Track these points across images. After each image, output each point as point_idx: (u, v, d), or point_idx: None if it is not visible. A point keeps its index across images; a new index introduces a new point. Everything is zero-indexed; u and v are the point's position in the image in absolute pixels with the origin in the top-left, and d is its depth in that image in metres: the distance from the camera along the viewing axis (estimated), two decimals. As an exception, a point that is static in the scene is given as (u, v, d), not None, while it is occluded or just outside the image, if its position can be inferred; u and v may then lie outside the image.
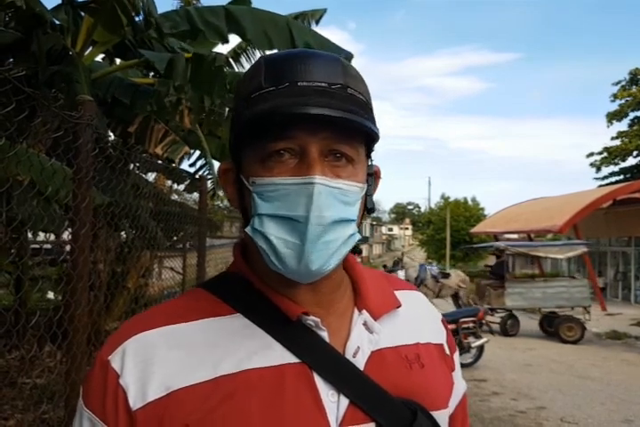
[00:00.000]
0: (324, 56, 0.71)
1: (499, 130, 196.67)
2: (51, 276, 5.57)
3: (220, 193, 8.28)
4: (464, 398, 0.86)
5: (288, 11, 6.39)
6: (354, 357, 0.71)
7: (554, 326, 11.33)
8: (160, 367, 0.66)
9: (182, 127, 5.90)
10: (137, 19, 4.18)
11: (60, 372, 2.98)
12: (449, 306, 12.56)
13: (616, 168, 25.75)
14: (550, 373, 8.19)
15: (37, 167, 2.57)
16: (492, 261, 16.93)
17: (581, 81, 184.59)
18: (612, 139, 25.37)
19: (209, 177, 6.62)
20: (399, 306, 0.80)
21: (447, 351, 0.84)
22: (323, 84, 0.66)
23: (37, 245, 5.93)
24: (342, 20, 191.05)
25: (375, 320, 0.75)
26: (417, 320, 0.82)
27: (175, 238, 6.04)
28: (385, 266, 20.50)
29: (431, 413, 0.73)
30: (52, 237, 4.97)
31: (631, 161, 25.08)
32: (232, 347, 0.68)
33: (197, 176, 6.38)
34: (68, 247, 3.22)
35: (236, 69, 6.61)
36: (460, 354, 7.49)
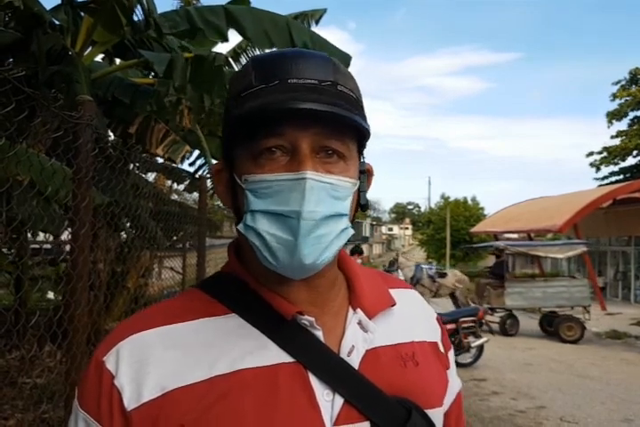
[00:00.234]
0: (314, 55, 0.71)
1: (499, 130, 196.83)
2: (50, 276, 5.58)
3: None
4: (459, 396, 0.87)
5: (288, 11, 6.38)
6: (348, 356, 0.71)
7: (554, 326, 11.32)
8: (155, 368, 0.66)
9: (182, 127, 5.90)
10: (136, 19, 4.18)
11: (59, 372, 2.98)
12: (449, 306, 12.55)
13: (616, 168, 25.77)
14: (550, 372, 8.19)
15: (37, 167, 2.57)
16: (491, 261, 16.92)
17: (581, 81, 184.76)
18: (612, 138, 25.39)
19: (209, 176, 6.62)
20: (394, 304, 0.80)
21: (442, 349, 0.84)
22: (313, 82, 0.67)
23: (37, 245, 5.93)
24: (342, 19, 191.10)
25: (370, 319, 0.75)
26: (411, 318, 0.83)
27: (175, 238, 6.04)
28: (385, 266, 20.49)
29: (426, 411, 0.74)
30: (52, 237, 4.97)
31: (631, 161, 25.12)
32: (227, 347, 0.68)
33: (197, 176, 6.39)
34: (67, 247, 3.22)
35: (236, 69, 6.61)
36: (460, 354, 7.45)
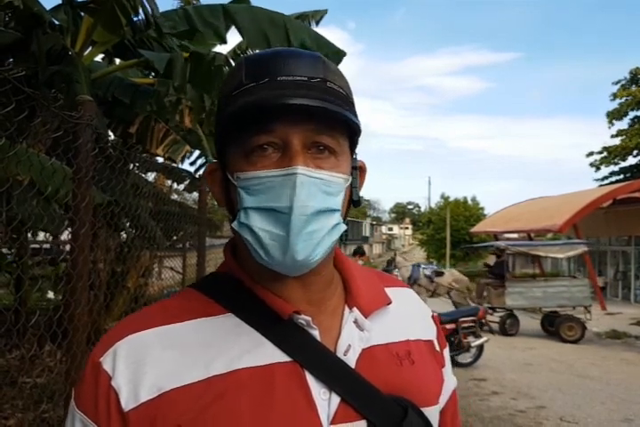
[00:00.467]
0: (304, 53, 0.71)
1: (498, 129, 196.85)
2: (50, 275, 5.58)
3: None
4: (454, 394, 0.87)
5: (290, 11, 6.40)
6: (345, 355, 0.71)
7: (555, 326, 11.33)
8: (152, 368, 0.66)
9: (182, 127, 5.90)
10: (136, 19, 4.19)
11: (60, 371, 2.98)
12: (447, 305, 12.55)
13: (616, 168, 25.77)
14: (550, 372, 8.19)
15: (37, 167, 2.57)
16: (491, 260, 16.91)
17: (581, 81, 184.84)
18: (612, 137, 25.38)
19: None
20: (389, 303, 0.80)
21: (437, 348, 0.85)
22: (302, 78, 0.67)
23: (37, 245, 5.94)
24: (342, 19, 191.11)
25: (366, 318, 0.75)
26: (407, 317, 0.83)
27: (175, 238, 6.04)
28: (384, 266, 20.49)
29: (422, 409, 0.74)
30: (52, 236, 4.98)
31: (631, 160, 25.11)
32: (224, 347, 0.68)
33: (198, 176, 6.39)
34: (67, 247, 3.23)
35: (236, 69, 6.60)
36: (460, 353, 7.43)
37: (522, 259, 22.06)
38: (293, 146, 0.66)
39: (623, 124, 25.31)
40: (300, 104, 0.63)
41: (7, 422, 3.36)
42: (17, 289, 5.17)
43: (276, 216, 0.65)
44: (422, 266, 14.46)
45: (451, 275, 13.68)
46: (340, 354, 0.71)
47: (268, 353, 0.69)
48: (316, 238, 0.66)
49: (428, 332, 0.85)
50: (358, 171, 0.75)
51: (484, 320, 8.91)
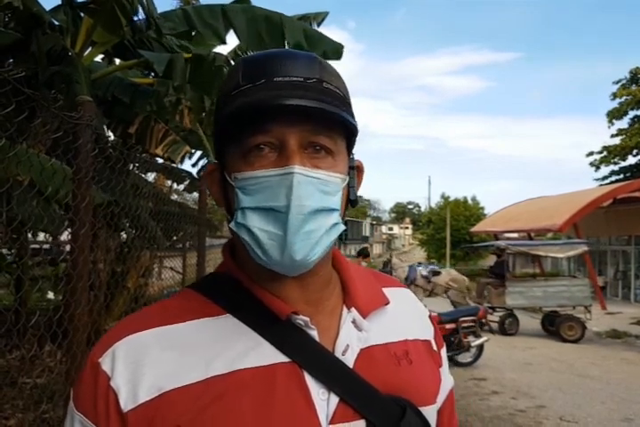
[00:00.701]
0: (300, 54, 0.72)
1: (499, 129, 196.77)
2: (50, 276, 5.58)
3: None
4: (451, 393, 0.87)
5: (291, 12, 6.41)
6: (343, 355, 0.71)
7: (555, 325, 11.33)
8: (151, 369, 0.66)
9: (183, 127, 5.91)
10: (136, 19, 4.19)
11: (60, 371, 2.98)
12: (446, 305, 12.55)
13: (616, 167, 25.76)
14: (550, 372, 8.19)
15: (37, 167, 2.57)
16: (491, 260, 16.92)
17: (581, 81, 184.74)
18: (612, 136, 25.38)
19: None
20: (387, 303, 0.81)
21: (434, 347, 0.85)
22: (298, 79, 0.67)
23: (37, 246, 5.94)
24: (342, 19, 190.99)
25: (364, 318, 0.76)
26: (405, 317, 0.83)
27: (175, 238, 6.04)
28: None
29: (420, 409, 0.74)
30: (52, 237, 4.98)
31: (631, 160, 25.11)
32: (223, 347, 0.69)
33: (198, 176, 6.39)
34: (67, 247, 3.23)
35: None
36: (460, 353, 7.43)
37: (522, 259, 22.08)
38: (290, 146, 0.66)
39: (623, 123, 25.36)
40: (297, 105, 0.63)
41: (7, 422, 3.36)
42: (17, 289, 5.17)
43: (273, 216, 0.65)
44: (419, 267, 14.47)
45: (448, 274, 13.68)
46: (338, 354, 0.71)
47: (268, 354, 0.69)
48: (314, 238, 0.66)
49: (426, 332, 0.85)
50: (355, 170, 0.76)
51: (484, 320, 8.92)
